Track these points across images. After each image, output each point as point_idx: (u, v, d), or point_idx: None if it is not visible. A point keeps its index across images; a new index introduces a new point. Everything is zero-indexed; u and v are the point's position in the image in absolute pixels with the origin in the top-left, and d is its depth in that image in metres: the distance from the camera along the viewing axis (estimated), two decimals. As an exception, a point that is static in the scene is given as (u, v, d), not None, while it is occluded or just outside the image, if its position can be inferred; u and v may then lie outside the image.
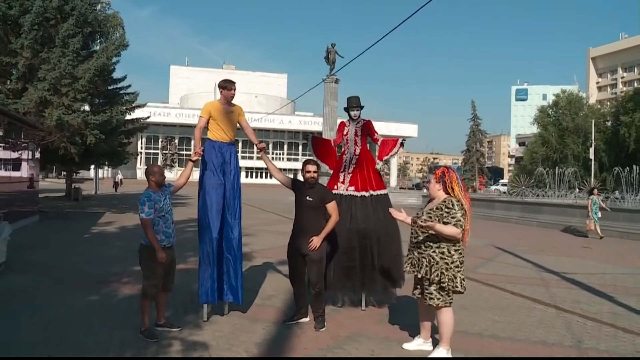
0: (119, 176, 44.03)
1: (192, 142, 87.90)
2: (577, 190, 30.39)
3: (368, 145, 6.81)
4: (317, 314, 5.70)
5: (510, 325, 5.97)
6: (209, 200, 5.82)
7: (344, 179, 6.56)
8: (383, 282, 6.36)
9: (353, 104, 6.68)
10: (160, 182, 5.41)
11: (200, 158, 5.83)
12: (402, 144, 6.72)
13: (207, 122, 5.95)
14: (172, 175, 64.90)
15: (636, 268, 10.43)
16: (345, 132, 6.72)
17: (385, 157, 6.70)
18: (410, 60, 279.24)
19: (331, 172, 6.85)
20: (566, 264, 10.54)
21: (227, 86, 5.95)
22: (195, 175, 6.00)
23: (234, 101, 6.09)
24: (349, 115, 6.74)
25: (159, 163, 77.99)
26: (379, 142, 6.66)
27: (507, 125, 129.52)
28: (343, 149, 6.72)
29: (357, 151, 6.60)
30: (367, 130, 6.65)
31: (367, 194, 6.40)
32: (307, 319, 5.84)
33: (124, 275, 8.24)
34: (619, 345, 5.36)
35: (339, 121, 8.06)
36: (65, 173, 31.85)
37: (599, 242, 14.88)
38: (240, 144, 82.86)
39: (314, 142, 7.12)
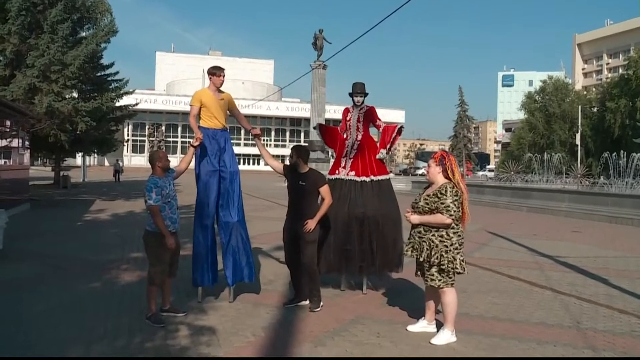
0: (120, 164, 43.01)
1: (179, 129, 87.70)
2: (565, 175, 30.69)
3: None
4: (312, 295, 5.79)
5: (510, 307, 6.08)
6: (203, 188, 5.92)
7: (345, 164, 6.61)
8: (381, 266, 6.43)
9: (357, 90, 6.70)
10: (166, 167, 5.44)
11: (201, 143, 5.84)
12: (399, 131, 6.72)
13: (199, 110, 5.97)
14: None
15: (626, 251, 10.62)
16: (348, 118, 6.75)
17: (384, 149, 6.69)
18: (398, 46, 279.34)
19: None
20: (558, 247, 10.70)
21: (216, 72, 5.96)
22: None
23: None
24: (353, 101, 6.77)
25: (146, 150, 77.62)
26: (380, 129, 6.70)
27: (494, 111, 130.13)
28: (346, 135, 6.75)
29: (359, 137, 6.62)
30: (369, 116, 6.68)
31: (367, 179, 6.45)
32: (307, 302, 5.91)
33: (122, 262, 8.27)
34: (616, 325, 5.49)
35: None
36: (50, 161, 31.51)
37: (588, 226, 15.11)
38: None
39: (322, 129, 7.18)
